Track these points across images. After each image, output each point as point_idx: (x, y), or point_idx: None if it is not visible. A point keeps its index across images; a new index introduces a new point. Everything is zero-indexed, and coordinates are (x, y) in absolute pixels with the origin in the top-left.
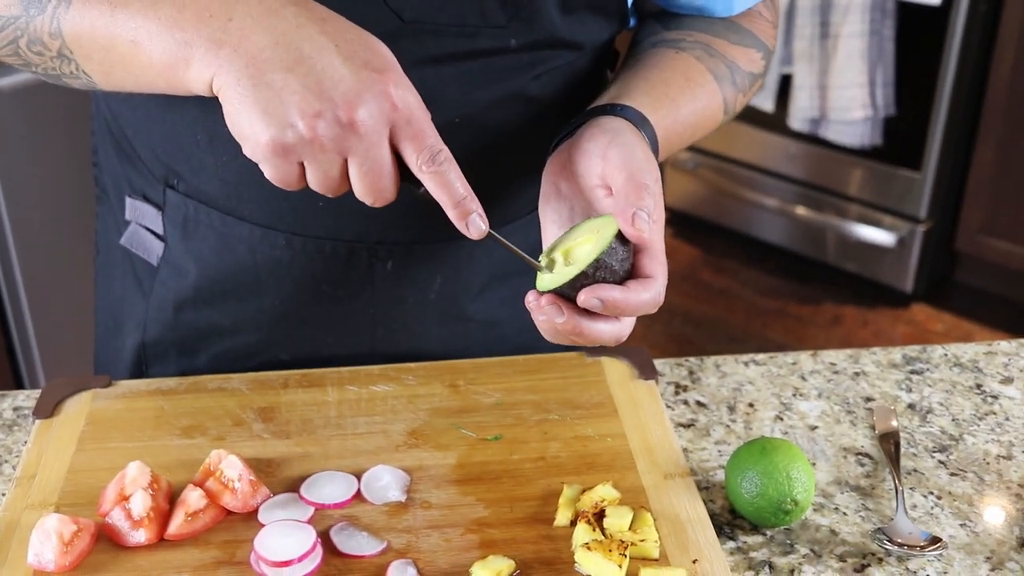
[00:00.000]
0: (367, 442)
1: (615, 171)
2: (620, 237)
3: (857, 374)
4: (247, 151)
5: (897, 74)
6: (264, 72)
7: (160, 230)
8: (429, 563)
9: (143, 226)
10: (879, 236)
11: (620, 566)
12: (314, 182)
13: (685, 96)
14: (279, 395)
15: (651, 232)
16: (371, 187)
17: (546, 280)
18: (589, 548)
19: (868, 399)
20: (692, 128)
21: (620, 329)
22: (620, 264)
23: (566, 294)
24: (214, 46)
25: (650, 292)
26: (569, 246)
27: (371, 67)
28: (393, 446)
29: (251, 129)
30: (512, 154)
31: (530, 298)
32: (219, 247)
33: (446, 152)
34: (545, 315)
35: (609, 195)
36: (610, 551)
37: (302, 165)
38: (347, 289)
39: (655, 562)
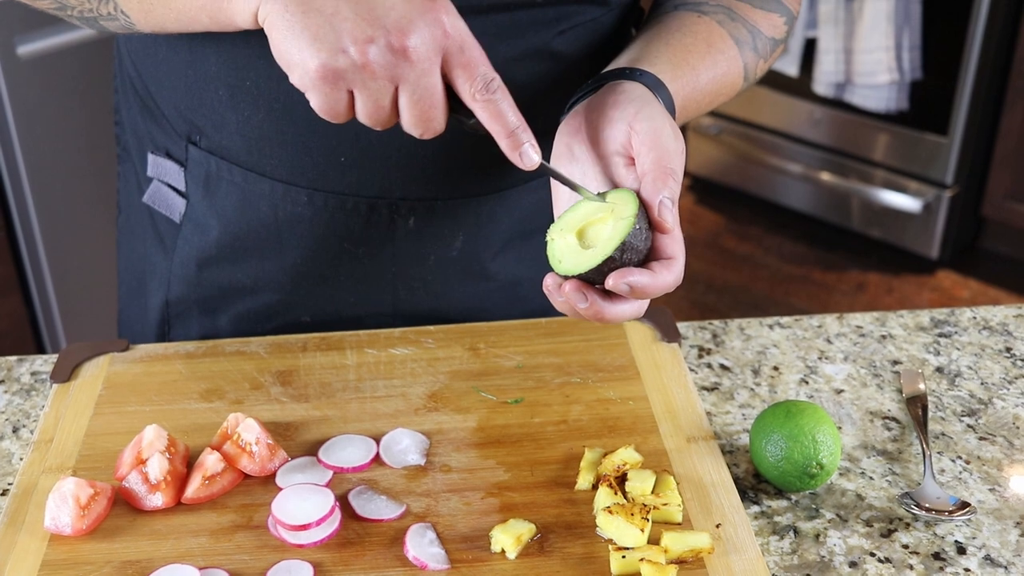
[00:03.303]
0: (386, 405)
1: (643, 147)
2: (641, 216)
3: (884, 337)
4: (295, 79)
5: (924, 37)
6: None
7: (182, 187)
8: (448, 527)
9: (165, 183)
10: (904, 202)
11: (642, 530)
12: (363, 111)
13: (705, 63)
14: (298, 358)
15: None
16: (421, 116)
17: (567, 264)
18: (611, 512)
19: (895, 362)
20: (711, 95)
21: (640, 308)
22: (644, 244)
23: (591, 278)
24: None
25: (673, 274)
26: (583, 224)
27: None
28: (412, 409)
29: (300, 56)
30: (535, 111)
31: (548, 283)
32: (241, 204)
33: (499, 81)
34: (566, 300)
35: (629, 166)
36: (632, 515)
37: (351, 94)
38: (368, 246)
39: (678, 526)
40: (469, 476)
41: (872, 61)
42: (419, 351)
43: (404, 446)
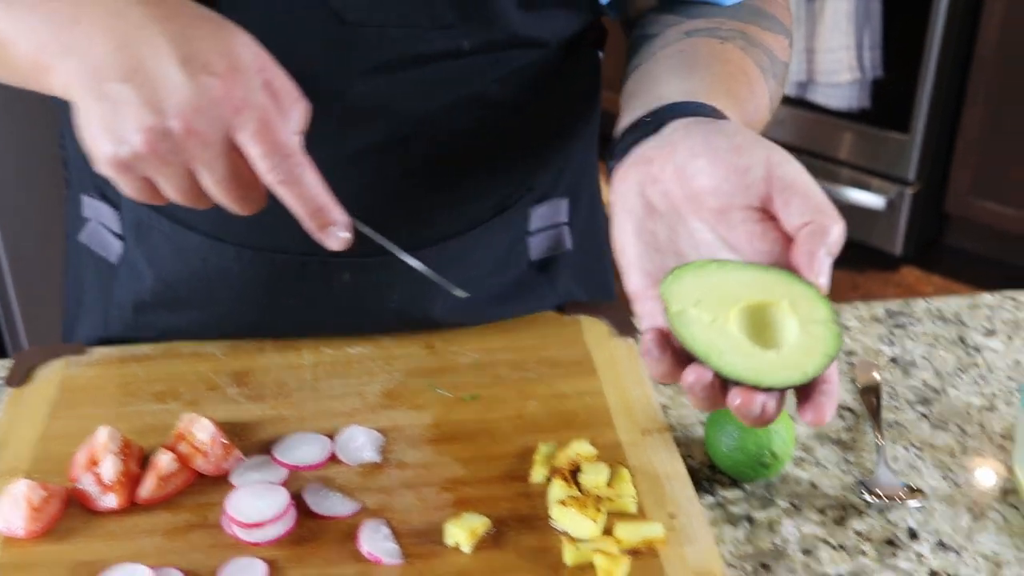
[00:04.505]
0: (342, 404)
1: (795, 199)
2: None
3: None
4: (97, 168)
5: (884, 36)
6: (103, 82)
7: (119, 229)
8: (403, 522)
9: (102, 224)
10: (868, 199)
11: (596, 521)
12: (172, 196)
13: (744, 93)
14: (254, 359)
15: None
16: (232, 197)
17: (736, 364)
18: (564, 504)
19: (850, 353)
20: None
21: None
22: None
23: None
24: (64, 53)
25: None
26: (738, 303)
27: (210, 70)
28: (368, 407)
29: (93, 144)
30: (474, 162)
31: (696, 380)
32: (172, 254)
33: (297, 156)
34: (746, 409)
35: (761, 221)
36: (585, 507)
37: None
38: (303, 299)
39: (632, 517)
40: (424, 472)
41: (834, 60)
42: (375, 350)
43: (359, 443)
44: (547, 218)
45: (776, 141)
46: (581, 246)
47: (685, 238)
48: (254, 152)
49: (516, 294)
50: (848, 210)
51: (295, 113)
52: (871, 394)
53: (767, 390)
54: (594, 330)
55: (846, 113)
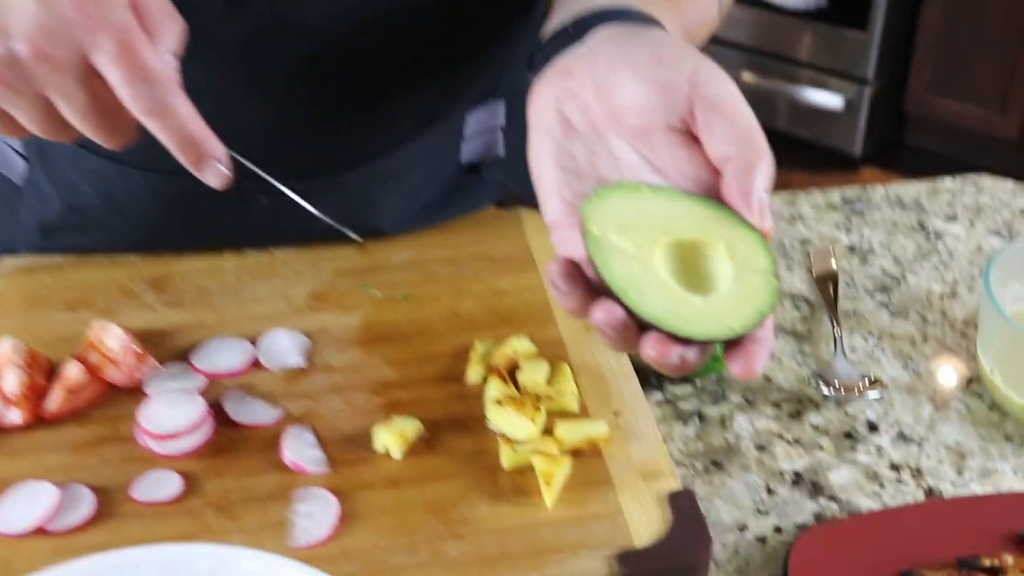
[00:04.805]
0: (266, 307)
1: (717, 121)
2: None
3: (793, 217)
4: None
5: None
6: None
7: (21, 148)
8: (330, 428)
9: (5, 141)
10: (826, 99)
11: (534, 421)
12: (31, 128)
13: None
14: (172, 264)
15: None
16: (95, 128)
17: (657, 306)
18: (501, 404)
19: (805, 242)
20: (694, 38)
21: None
22: None
23: (690, 340)
24: None
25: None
26: (666, 237)
27: None
28: (294, 310)
29: None
30: (398, 78)
31: (606, 318)
32: (77, 177)
33: (164, 82)
34: (655, 354)
35: (687, 146)
36: (523, 406)
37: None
38: (220, 222)
39: (574, 416)
40: (352, 375)
41: None
42: (302, 251)
43: (283, 347)
44: (483, 122)
45: (732, 43)
46: (519, 149)
47: (606, 161)
48: (114, 77)
49: (454, 199)
50: (807, 110)
51: (166, 34)
52: (828, 283)
53: (686, 341)
54: (535, 223)
55: (803, 12)
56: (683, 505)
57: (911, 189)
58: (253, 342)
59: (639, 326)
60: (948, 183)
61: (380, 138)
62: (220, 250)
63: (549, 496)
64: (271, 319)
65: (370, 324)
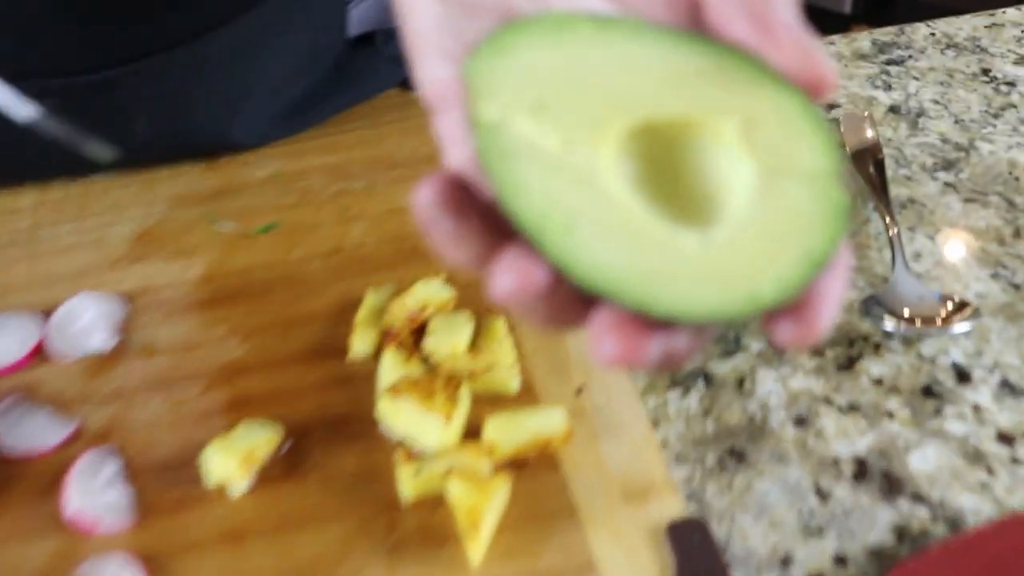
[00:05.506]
0: (70, 260)
1: None
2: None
3: None
4: None
5: None
6: None
7: None
8: (143, 449)
9: None
10: None
11: (448, 418)
12: None
13: None
14: None
15: None
16: None
17: (634, 267)
18: (397, 393)
19: (830, 107)
20: None
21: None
22: None
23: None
24: None
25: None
26: (659, 119)
27: None
28: (108, 262)
29: None
30: None
31: (505, 282)
32: None
33: None
34: (523, 310)
35: None
36: (432, 395)
37: None
38: (11, 144)
39: (513, 402)
40: (184, 358)
41: None
42: (129, 175)
43: (86, 322)
44: None
45: None
46: None
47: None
48: None
49: (339, 86)
50: None
51: None
52: (867, 160)
53: (666, 323)
54: None
55: None
56: (690, 541)
57: (964, 25)
58: (48, 315)
59: (581, 294)
60: (1012, 14)
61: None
62: (19, 184)
63: (475, 545)
64: (74, 279)
65: (215, 274)
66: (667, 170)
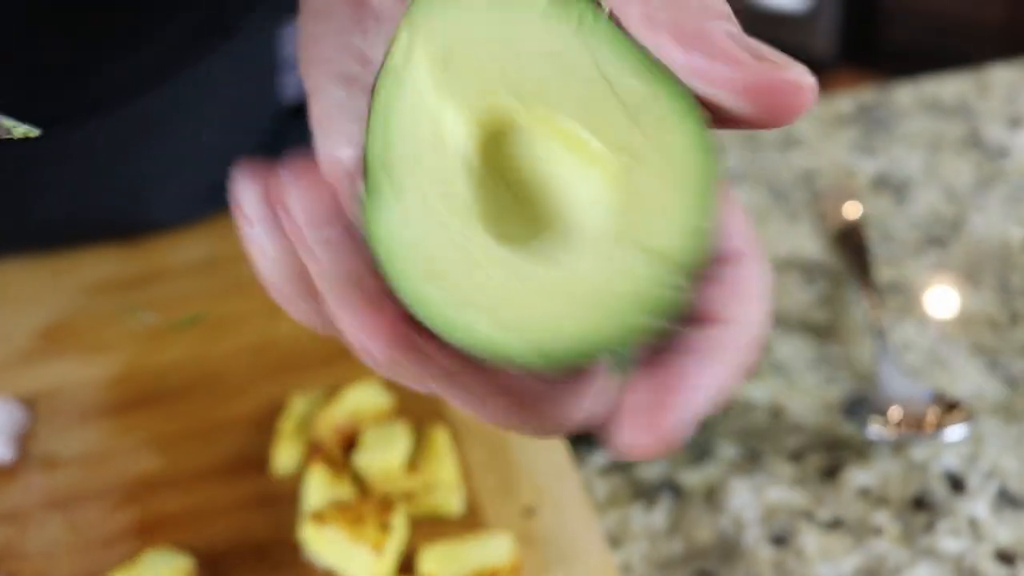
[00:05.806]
0: None
1: None
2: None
3: (787, 141)
4: None
5: None
6: None
7: None
8: None
9: None
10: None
11: (379, 550)
12: None
13: None
14: None
15: None
16: None
17: (462, 299)
18: (323, 520)
19: (808, 175)
20: None
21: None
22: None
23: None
24: None
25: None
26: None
27: None
28: (12, 360)
29: None
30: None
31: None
32: None
33: None
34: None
35: None
36: (362, 521)
37: None
38: None
39: (455, 528)
40: (90, 472)
41: None
42: (37, 261)
43: None
44: None
45: None
46: None
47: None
48: None
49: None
50: (767, 16)
51: None
52: (851, 241)
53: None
54: None
55: None
56: None
57: (949, 86)
58: None
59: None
60: (1000, 73)
61: (125, 63)
62: None
63: None
64: None
65: (130, 374)
66: (516, 169)
